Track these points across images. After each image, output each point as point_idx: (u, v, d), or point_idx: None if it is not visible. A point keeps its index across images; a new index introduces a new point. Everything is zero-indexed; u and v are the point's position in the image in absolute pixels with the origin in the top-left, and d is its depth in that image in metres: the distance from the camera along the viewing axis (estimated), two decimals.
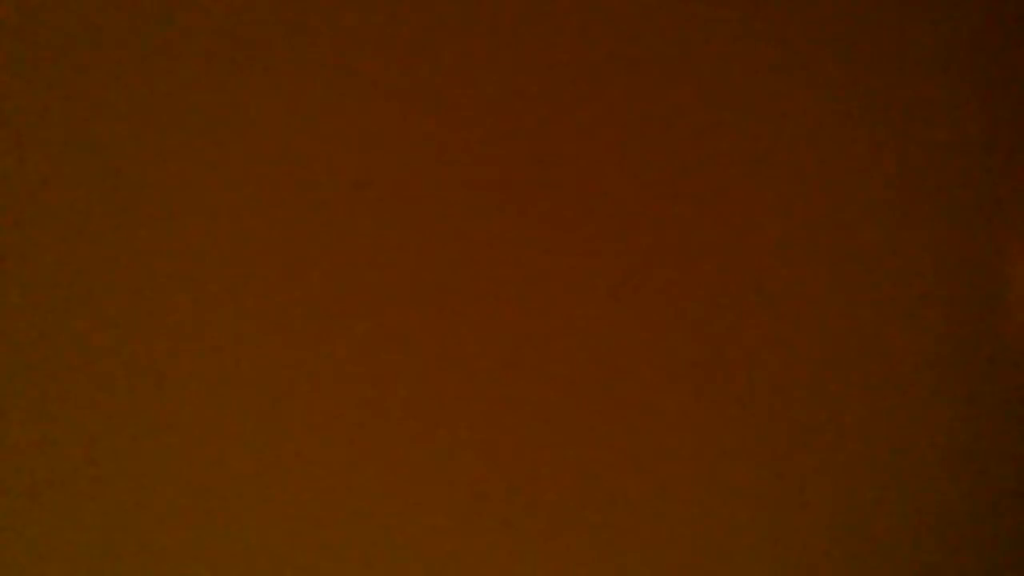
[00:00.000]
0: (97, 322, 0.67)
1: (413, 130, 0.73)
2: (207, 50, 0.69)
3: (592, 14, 0.77)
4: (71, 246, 0.67)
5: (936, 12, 0.84)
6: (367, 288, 0.72)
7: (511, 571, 0.75)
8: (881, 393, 0.82)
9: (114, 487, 0.67)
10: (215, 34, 0.69)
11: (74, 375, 0.67)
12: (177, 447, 0.68)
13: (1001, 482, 0.85)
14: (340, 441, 0.71)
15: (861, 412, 0.82)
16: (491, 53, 0.75)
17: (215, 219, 0.69)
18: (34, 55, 0.66)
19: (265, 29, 0.70)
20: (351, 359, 0.72)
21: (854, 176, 0.82)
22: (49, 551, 0.66)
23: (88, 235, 0.67)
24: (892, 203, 0.83)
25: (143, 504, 0.68)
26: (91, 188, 0.67)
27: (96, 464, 0.67)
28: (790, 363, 0.80)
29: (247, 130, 0.70)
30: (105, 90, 0.67)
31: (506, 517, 0.75)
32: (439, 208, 0.74)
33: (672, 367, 0.78)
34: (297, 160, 0.71)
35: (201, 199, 0.69)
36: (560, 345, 0.76)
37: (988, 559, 0.85)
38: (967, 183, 0.84)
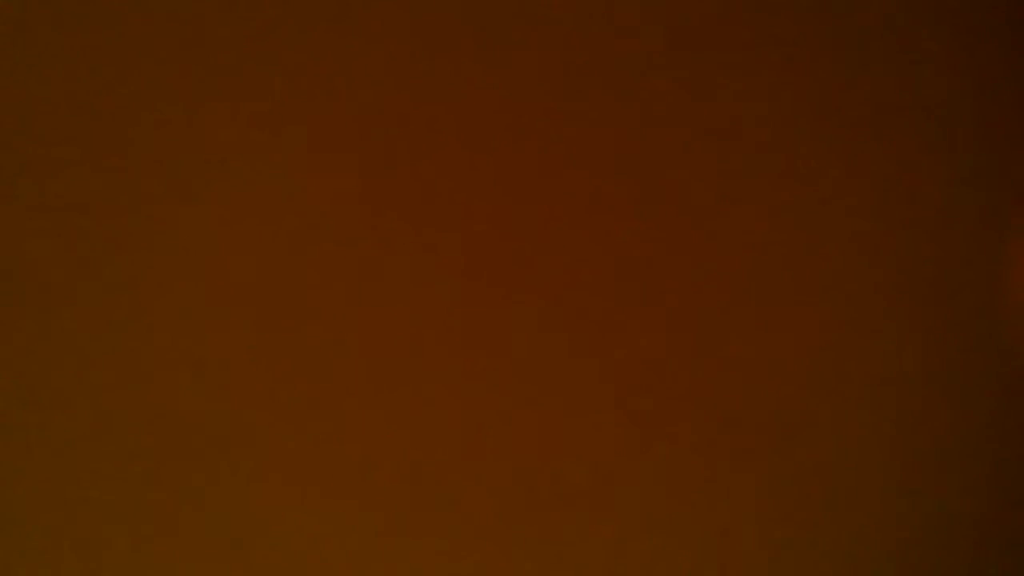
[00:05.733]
0: (97, 321, 0.67)
1: (413, 128, 0.73)
2: (207, 48, 0.69)
3: (590, 16, 0.77)
4: (69, 244, 0.67)
5: (936, 11, 0.84)
6: (365, 288, 0.72)
7: (508, 572, 0.75)
8: (879, 394, 0.82)
9: (113, 487, 0.68)
10: (214, 32, 0.70)
11: (74, 374, 0.67)
12: (176, 447, 0.68)
13: (1001, 483, 0.85)
14: (339, 442, 0.71)
15: (859, 412, 0.82)
16: (490, 51, 0.75)
17: (215, 218, 0.69)
18: (33, 54, 0.66)
19: (264, 27, 0.70)
20: (350, 359, 0.72)
21: (852, 176, 0.82)
22: (48, 551, 0.66)
23: (87, 234, 0.67)
24: (891, 203, 0.83)
25: (142, 504, 0.68)
26: (89, 187, 0.67)
27: (96, 464, 0.67)
28: (787, 364, 0.80)
29: (245, 127, 0.70)
30: (105, 88, 0.68)
31: (503, 520, 0.75)
32: (437, 207, 0.74)
33: (669, 368, 0.78)
34: (295, 161, 0.71)
35: (200, 198, 0.69)
36: (558, 345, 0.76)
37: (988, 560, 0.84)
38: (967, 183, 0.84)
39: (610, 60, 0.77)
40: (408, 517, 0.73)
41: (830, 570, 0.81)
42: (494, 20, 0.75)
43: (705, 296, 0.79)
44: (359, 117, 0.72)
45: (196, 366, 0.69)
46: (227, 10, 0.70)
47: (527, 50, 0.75)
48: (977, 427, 0.84)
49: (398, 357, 0.73)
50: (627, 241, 0.77)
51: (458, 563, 0.74)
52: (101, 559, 0.68)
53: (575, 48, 0.76)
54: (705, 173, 0.79)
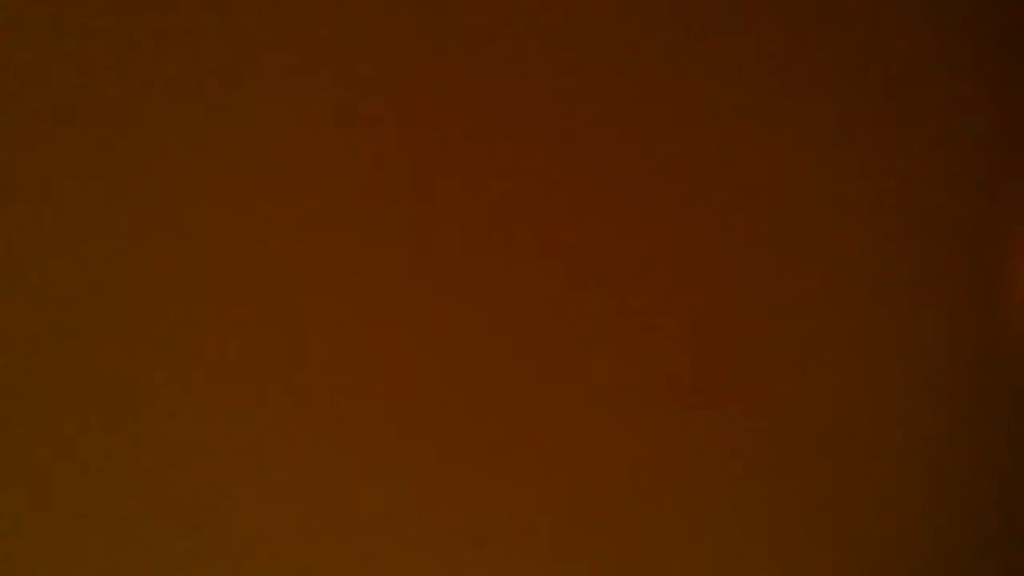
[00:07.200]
0: (96, 322, 0.67)
1: (410, 129, 0.73)
2: (206, 49, 0.69)
3: (594, 17, 0.77)
4: (71, 246, 0.67)
5: (936, 11, 0.84)
6: (363, 287, 0.72)
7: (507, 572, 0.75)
8: (879, 394, 0.82)
9: (113, 488, 0.68)
10: (214, 33, 0.69)
11: (74, 375, 0.67)
12: (177, 448, 0.68)
13: (1000, 483, 0.85)
14: (338, 442, 0.71)
15: (859, 413, 0.82)
16: (490, 52, 0.75)
17: (214, 219, 0.69)
18: (33, 54, 0.66)
19: (264, 29, 0.70)
20: (349, 360, 0.72)
21: (852, 176, 0.82)
22: (47, 552, 0.66)
23: (88, 235, 0.67)
24: (891, 203, 0.83)
25: (141, 505, 0.68)
26: (90, 188, 0.67)
27: (95, 464, 0.67)
28: (787, 364, 0.80)
29: (245, 129, 0.70)
30: (104, 89, 0.67)
31: (500, 520, 0.75)
32: (435, 208, 0.74)
33: (669, 369, 0.78)
34: (294, 161, 0.71)
35: (200, 199, 0.69)
36: (556, 346, 0.76)
37: (987, 560, 0.85)
38: (967, 183, 0.84)
39: (621, 58, 0.77)
40: (406, 517, 0.73)
41: (830, 569, 0.81)
42: (499, 17, 0.75)
43: (715, 298, 0.79)
44: (361, 116, 0.72)
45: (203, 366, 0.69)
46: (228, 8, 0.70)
47: (534, 47, 0.75)
48: (978, 426, 0.85)
49: (398, 358, 0.73)
50: (631, 241, 0.77)
51: (467, 564, 0.74)
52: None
53: (587, 46, 0.76)
54: (704, 172, 0.79)
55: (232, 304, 0.70)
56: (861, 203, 0.82)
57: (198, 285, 0.69)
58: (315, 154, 0.71)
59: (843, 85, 0.82)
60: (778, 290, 0.80)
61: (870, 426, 0.82)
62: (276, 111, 0.70)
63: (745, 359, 0.79)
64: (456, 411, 0.74)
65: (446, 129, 0.74)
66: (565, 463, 0.76)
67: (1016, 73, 0.85)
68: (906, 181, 0.83)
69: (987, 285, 0.85)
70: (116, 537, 0.67)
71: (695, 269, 0.79)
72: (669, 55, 0.78)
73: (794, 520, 0.80)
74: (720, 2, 0.79)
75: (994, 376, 0.85)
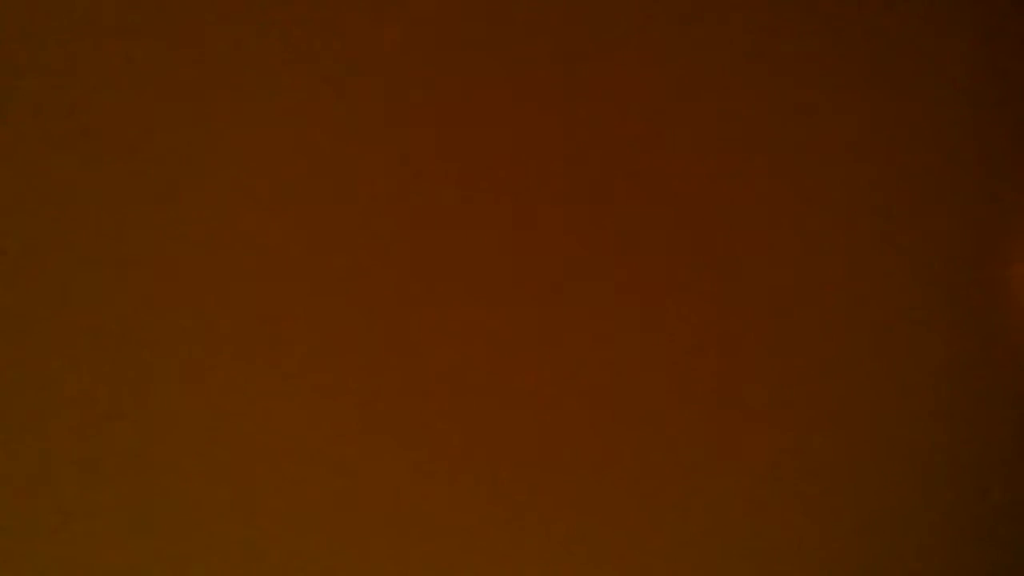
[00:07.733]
0: (95, 321, 0.67)
1: (413, 129, 0.73)
2: (205, 49, 0.69)
3: (609, 17, 0.77)
4: (70, 245, 0.67)
5: (936, 11, 0.84)
6: (367, 287, 0.72)
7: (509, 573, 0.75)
8: (880, 393, 0.82)
9: (115, 487, 0.68)
10: (214, 34, 0.69)
11: (73, 375, 0.67)
12: (178, 448, 0.68)
13: (1001, 483, 0.85)
14: (341, 442, 0.71)
15: (860, 413, 0.82)
16: (493, 50, 0.75)
17: (212, 218, 0.69)
18: (34, 54, 0.66)
19: (263, 29, 0.70)
20: (349, 359, 0.72)
21: (853, 177, 0.82)
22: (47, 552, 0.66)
23: (87, 235, 0.67)
24: (892, 204, 0.83)
25: (142, 505, 0.68)
26: (90, 187, 0.67)
27: (95, 464, 0.67)
28: (789, 364, 0.80)
29: (244, 129, 0.70)
30: (105, 89, 0.68)
31: (505, 521, 0.75)
32: (441, 210, 0.74)
33: (675, 369, 0.78)
34: (296, 161, 0.71)
35: (198, 198, 0.69)
36: (563, 346, 0.76)
37: (988, 560, 0.85)
38: (967, 183, 0.84)
39: (624, 57, 0.77)
40: (410, 518, 0.73)
41: (833, 569, 0.81)
42: (501, 20, 0.75)
43: (712, 295, 0.79)
44: (363, 111, 0.72)
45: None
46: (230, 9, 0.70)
47: (539, 45, 0.75)
48: (978, 426, 0.85)
49: (404, 358, 0.73)
50: (638, 240, 0.77)
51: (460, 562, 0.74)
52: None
53: (591, 46, 0.76)
54: (711, 174, 0.79)
55: (237, 304, 0.70)
56: (862, 205, 0.82)
57: (202, 285, 0.69)
58: (320, 158, 0.71)
59: (844, 86, 0.82)
60: (778, 291, 0.80)
61: (870, 425, 0.82)
62: (277, 117, 0.71)
63: (744, 358, 0.79)
64: (465, 413, 0.74)
65: (449, 131, 0.74)
66: (573, 464, 0.76)
67: (1016, 73, 0.85)
68: (906, 182, 0.83)
69: (987, 285, 0.85)
70: (116, 535, 0.68)
71: (702, 272, 0.79)
72: (687, 55, 0.78)
73: (794, 518, 0.80)
74: (727, 6, 0.79)
75: (995, 376, 0.85)
